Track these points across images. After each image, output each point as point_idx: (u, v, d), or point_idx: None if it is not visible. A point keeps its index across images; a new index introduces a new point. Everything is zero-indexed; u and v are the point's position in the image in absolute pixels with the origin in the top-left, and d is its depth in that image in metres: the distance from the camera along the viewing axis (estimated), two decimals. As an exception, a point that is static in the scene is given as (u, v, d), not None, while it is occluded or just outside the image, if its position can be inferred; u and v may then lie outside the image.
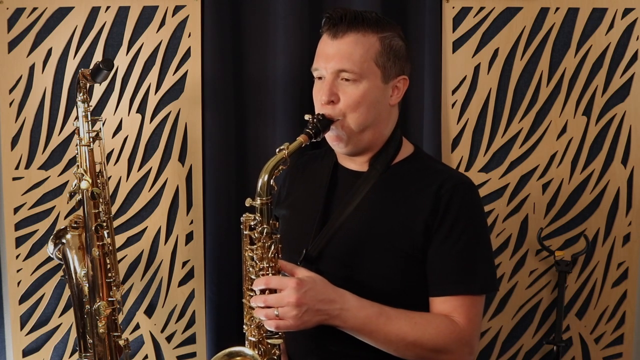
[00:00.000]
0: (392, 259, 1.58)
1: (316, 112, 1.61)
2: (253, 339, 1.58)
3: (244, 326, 1.60)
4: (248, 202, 1.52)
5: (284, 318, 1.46)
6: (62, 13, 2.19)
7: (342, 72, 1.57)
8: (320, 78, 1.63)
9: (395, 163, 1.67)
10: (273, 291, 1.48)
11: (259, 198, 1.50)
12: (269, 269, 1.51)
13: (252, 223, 1.53)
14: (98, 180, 1.84)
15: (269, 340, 1.55)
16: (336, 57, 1.57)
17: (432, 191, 1.58)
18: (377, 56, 1.59)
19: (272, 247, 1.51)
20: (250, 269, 1.54)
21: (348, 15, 1.59)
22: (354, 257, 1.61)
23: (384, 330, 1.51)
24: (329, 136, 1.62)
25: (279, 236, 1.53)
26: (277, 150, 1.52)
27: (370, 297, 1.55)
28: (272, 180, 1.50)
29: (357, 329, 1.52)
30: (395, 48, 1.62)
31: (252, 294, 1.54)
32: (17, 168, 2.25)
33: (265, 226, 1.51)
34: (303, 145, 1.54)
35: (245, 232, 1.54)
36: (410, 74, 1.68)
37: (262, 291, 1.49)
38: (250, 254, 1.53)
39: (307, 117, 1.60)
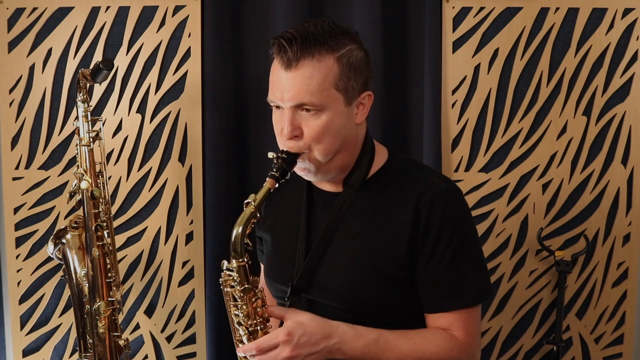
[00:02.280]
0: (379, 284, 1.52)
1: (279, 146, 1.53)
2: None
3: None
4: (224, 265, 1.48)
5: None
6: (62, 13, 2.19)
7: (301, 105, 1.46)
8: (278, 107, 1.52)
9: (370, 177, 1.57)
10: None
11: (234, 260, 1.46)
12: (257, 324, 1.48)
13: (232, 283, 1.48)
14: (98, 180, 1.85)
15: None
16: (292, 90, 1.45)
17: (411, 207, 1.50)
18: (337, 80, 1.46)
19: (256, 300, 1.48)
20: (238, 326, 1.50)
21: (298, 39, 1.44)
22: (342, 286, 1.55)
23: (384, 355, 1.48)
24: (297, 168, 1.53)
25: (262, 289, 1.50)
26: (245, 203, 1.46)
27: (364, 321, 1.52)
28: (246, 238, 1.45)
29: (359, 358, 1.48)
30: (355, 63, 1.48)
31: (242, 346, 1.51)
32: (17, 168, 2.25)
33: (246, 286, 1.47)
34: (271, 190, 1.47)
35: (226, 290, 1.50)
36: (373, 85, 1.56)
37: None
38: (236, 312, 1.49)
39: (270, 155, 1.51)
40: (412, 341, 1.50)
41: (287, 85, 1.45)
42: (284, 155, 1.49)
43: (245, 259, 1.47)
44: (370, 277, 1.52)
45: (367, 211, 1.55)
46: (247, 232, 1.45)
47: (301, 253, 1.60)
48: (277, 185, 1.48)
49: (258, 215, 1.47)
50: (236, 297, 1.48)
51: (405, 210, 1.51)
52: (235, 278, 1.47)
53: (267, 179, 1.48)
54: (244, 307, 1.48)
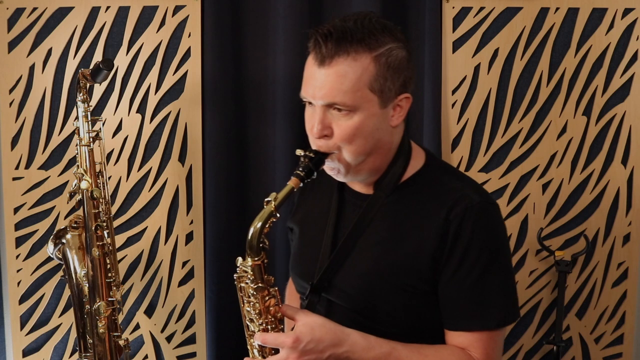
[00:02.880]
0: (400, 295, 1.46)
1: (310, 141, 1.47)
2: None
3: None
4: (238, 261, 1.44)
5: None
6: (62, 13, 2.19)
7: (333, 104, 1.40)
8: (310, 103, 1.46)
9: (404, 181, 1.50)
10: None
11: (249, 259, 1.42)
12: (269, 323, 1.45)
13: (245, 280, 1.44)
14: (98, 180, 1.85)
15: None
16: (324, 88, 1.39)
17: (441, 217, 1.42)
18: (372, 81, 1.39)
19: (270, 299, 1.44)
20: (249, 323, 1.48)
21: (334, 34, 1.37)
22: (361, 291, 1.49)
23: None
24: (326, 167, 1.47)
25: (277, 288, 1.46)
26: (265, 201, 1.41)
27: (380, 331, 1.46)
28: (263, 238, 1.41)
29: None
30: (394, 64, 1.40)
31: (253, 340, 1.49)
32: (17, 168, 2.25)
33: (259, 284, 1.43)
34: (295, 190, 1.42)
35: (240, 286, 1.46)
36: (413, 86, 1.48)
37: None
38: (248, 309, 1.46)
39: (298, 152, 1.45)
40: (426, 359, 1.43)
41: (319, 82, 1.40)
42: (311, 155, 1.43)
43: (261, 258, 1.42)
44: (389, 285, 1.46)
45: (396, 217, 1.49)
46: (265, 231, 1.40)
47: (325, 252, 1.55)
48: (301, 184, 1.42)
49: (277, 215, 1.41)
50: (249, 294, 1.44)
51: (434, 220, 1.43)
52: (249, 276, 1.43)
53: (292, 177, 1.42)
54: (257, 305, 1.44)
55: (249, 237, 1.40)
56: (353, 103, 1.39)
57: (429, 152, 1.57)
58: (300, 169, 1.42)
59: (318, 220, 1.61)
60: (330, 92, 1.38)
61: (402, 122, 1.49)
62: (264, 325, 1.45)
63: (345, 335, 1.41)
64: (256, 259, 1.42)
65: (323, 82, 1.39)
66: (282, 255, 2.24)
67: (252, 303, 1.45)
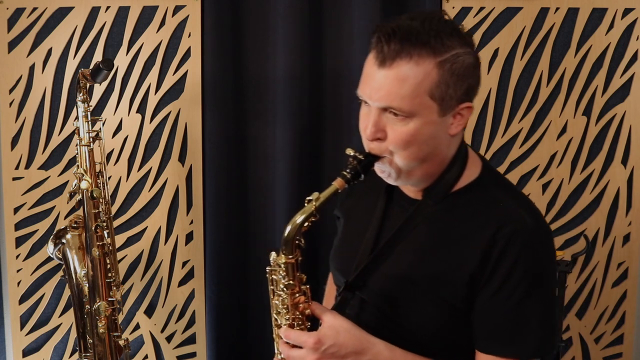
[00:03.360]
0: (433, 307, 1.40)
1: (363, 139, 1.39)
2: None
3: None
4: (272, 257, 1.39)
5: None
6: (62, 13, 2.19)
7: (389, 108, 1.32)
8: (366, 102, 1.37)
9: (456, 190, 1.42)
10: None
11: (283, 255, 1.37)
12: (295, 319, 1.40)
13: (277, 275, 1.40)
14: (98, 180, 1.85)
15: None
16: (382, 90, 1.31)
17: (487, 235, 1.34)
18: (433, 88, 1.30)
19: (299, 296, 1.40)
20: (276, 316, 1.44)
21: (399, 34, 1.29)
22: (395, 297, 1.44)
23: None
24: (376, 168, 1.39)
25: (309, 286, 1.41)
26: (306, 200, 1.36)
27: (408, 339, 1.42)
28: (300, 237, 1.35)
29: None
30: (459, 70, 1.31)
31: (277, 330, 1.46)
32: (17, 168, 2.25)
33: (290, 282, 1.38)
34: (339, 192, 1.35)
35: (271, 278, 1.42)
36: (476, 94, 1.39)
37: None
38: (277, 302, 1.42)
39: (348, 151, 1.38)
40: None
41: (377, 83, 1.32)
42: (361, 157, 1.36)
43: (295, 256, 1.38)
44: (423, 295, 1.41)
45: (441, 227, 1.42)
46: (303, 229, 1.35)
47: (365, 251, 1.49)
48: (346, 186, 1.35)
49: (317, 215, 1.35)
50: (280, 288, 1.40)
51: (480, 237, 1.35)
52: (281, 272, 1.39)
53: (338, 178, 1.36)
54: (286, 300, 1.40)
55: (286, 233, 1.35)
56: (411, 109, 1.31)
57: (486, 162, 1.49)
58: (348, 170, 1.35)
59: (363, 216, 1.55)
60: (388, 95, 1.31)
61: (462, 131, 1.41)
62: (291, 321, 1.41)
63: (370, 344, 1.37)
64: (290, 256, 1.37)
65: (381, 83, 1.31)
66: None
67: (281, 297, 1.40)
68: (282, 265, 1.38)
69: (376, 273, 1.46)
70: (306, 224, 1.35)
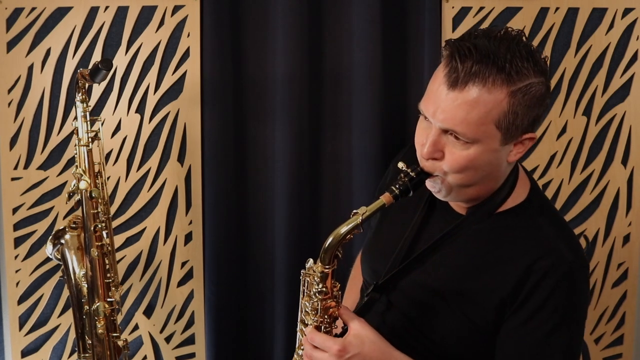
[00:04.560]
0: (457, 323, 1.40)
1: (417, 153, 1.37)
2: None
3: (295, 355, 1.51)
4: (309, 263, 1.40)
5: None
6: (60, 13, 2.19)
7: (452, 131, 1.30)
8: (426, 117, 1.35)
9: (500, 212, 1.41)
10: None
11: (320, 264, 1.36)
12: (323, 322, 1.40)
13: (312, 280, 1.40)
14: (97, 181, 1.84)
15: None
16: (448, 113, 1.27)
17: (524, 264, 1.33)
18: (501, 118, 1.27)
19: (330, 301, 1.39)
20: (303, 316, 1.44)
21: (476, 56, 1.24)
22: (421, 305, 1.45)
23: None
24: (427, 182, 1.38)
25: (341, 293, 1.41)
26: (352, 213, 1.34)
27: (430, 349, 1.44)
28: (339, 249, 1.35)
29: None
30: (530, 102, 1.28)
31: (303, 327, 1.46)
32: (15, 168, 2.24)
33: (322, 289, 1.38)
34: (386, 207, 1.34)
35: (305, 280, 1.42)
36: (540, 124, 1.40)
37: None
38: (306, 302, 1.42)
39: (401, 165, 1.36)
40: None
41: (444, 104, 1.28)
42: (412, 174, 1.34)
43: (332, 267, 1.37)
44: (450, 311, 1.41)
45: (479, 246, 1.41)
46: (345, 241, 1.35)
47: (399, 257, 1.49)
48: (393, 202, 1.34)
49: (362, 229, 1.34)
50: (312, 291, 1.40)
51: (516, 264, 1.35)
52: (315, 278, 1.38)
53: (386, 192, 1.35)
54: (315, 303, 1.39)
55: (329, 242, 1.34)
56: (474, 136, 1.28)
57: (534, 185, 1.47)
58: (397, 186, 1.34)
59: (402, 218, 1.53)
60: (454, 119, 1.27)
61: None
62: (318, 322, 1.41)
63: (393, 358, 1.37)
64: (327, 267, 1.36)
65: (449, 105, 1.27)
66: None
67: (312, 300, 1.40)
68: (319, 273, 1.37)
69: (407, 279, 1.46)
70: (349, 236, 1.34)
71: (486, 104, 1.25)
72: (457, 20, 2.17)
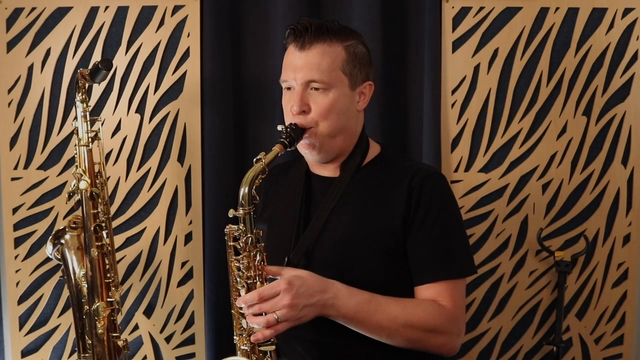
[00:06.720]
0: (378, 257, 1.64)
1: (287, 123, 1.66)
2: (245, 348, 1.59)
3: (235, 337, 1.62)
4: (231, 213, 1.54)
5: (282, 321, 1.49)
6: (60, 13, 2.19)
7: (311, 82, 1.63)
8: (289, 89, 1.68)
9: (365, 164, 1.73)
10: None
11: (241, 208, 1.53)
12: (256, 277, 1.54)
13: (236, 234, 1.56)
14: (97, 181, 1.84)
15: (261, 348, 1.56)
16: (305, 68, 1.62)
17: (404, 186, 1.65)
18: (344, 64, 1.64)
19: (258, 255, 1.54)
20: (238, 279, 1.56)
21: (313, 27, 1.64)
22: (339, 259, 1.65)
23: (375, 315, 1.57)
24: (302, 145, 1.67)
25: (263, 244, 1.56)
26: (255, 160, 1.56)
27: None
28: (253, 190, 1.54)
29: (350, 317, 1.56)
30: (360, 55, 1.68)
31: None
32: (15, 168, 2.24)
33: (249, 235, 1.54)
34: (279, 155, 1.59)
35: (229, 243, 1.57)
36: (374, 79, 1.74)
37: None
38: (237, 264, 1.56)
39: (280, 127, 1.65)
40: (402, 304, 1.59)
41: (300, 63, 1.63)
42: (293, 127, 1.63)
43: (251, 208, 1.54)
44: (370, 250, 1.64)
45: (363, 192, 1.69)
46: (255, 184, 1.54)
47: (297, 230, 1.71)
48: (284, 151, 1.60)
49: (267, 172, 1.56)
50: (238, 249, 1.55)
51: (398, 190, 1.65)
52: (239, 227, 1.54)
53: (276, 144, 1.60)
54: (245, 259, 1.54)
55: (241, 192, 1.53)
56: (329, 80, 1.63)
57: (383, 145, 1.80)
58: (284, 137, 1.61)
59: (286, 212, 1.77)
60: (310, 71, 1.62)
61: (363, 112, 1.75)
62: (252, 279, 1.54)
63: (330, 284, 1.56)
64: (247, 208, 1.53)
65: (304, 63, 1.63)
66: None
67: (240, 259, 1.55)
68: (241, 218, 1.53)
69: (317, 245, 1.67)
70: (258, 179, 1.55)
71: (330, 54, 1.63)
72: (457, 20, 2.17)
